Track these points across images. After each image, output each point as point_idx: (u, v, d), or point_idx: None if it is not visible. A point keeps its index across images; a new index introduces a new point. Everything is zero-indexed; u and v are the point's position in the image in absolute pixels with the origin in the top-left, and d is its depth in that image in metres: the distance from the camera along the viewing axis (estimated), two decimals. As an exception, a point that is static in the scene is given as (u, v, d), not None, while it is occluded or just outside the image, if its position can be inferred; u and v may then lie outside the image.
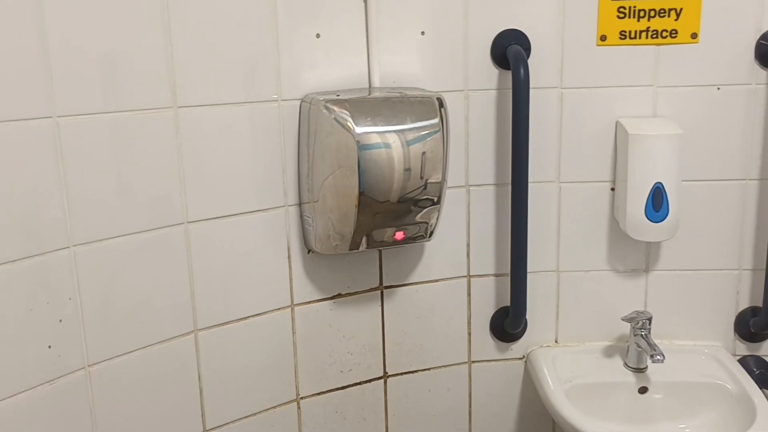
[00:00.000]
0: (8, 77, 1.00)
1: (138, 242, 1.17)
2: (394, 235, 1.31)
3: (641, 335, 1.46)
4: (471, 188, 1.48)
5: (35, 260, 1.05)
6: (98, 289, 1.14)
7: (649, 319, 1.46)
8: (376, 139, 1.23)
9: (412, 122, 1.26)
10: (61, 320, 1.09)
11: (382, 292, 1.47)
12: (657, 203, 1.40)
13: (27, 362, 1.06)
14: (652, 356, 1.41)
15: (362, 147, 1.22)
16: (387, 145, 1.24)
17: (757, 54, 1.41)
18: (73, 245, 1.10)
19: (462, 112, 1.43)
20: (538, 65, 1.41)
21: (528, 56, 1.41)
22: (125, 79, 1.12)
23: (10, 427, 1.04)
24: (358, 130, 1.22)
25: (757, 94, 1.43)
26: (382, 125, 1.24)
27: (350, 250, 1.30)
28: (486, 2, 1.39)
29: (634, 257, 1.52)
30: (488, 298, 1.54)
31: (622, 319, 1.46)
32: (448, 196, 1.43)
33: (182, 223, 1.23)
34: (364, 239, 1.29)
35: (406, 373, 1.52)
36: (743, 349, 1.57)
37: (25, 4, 1.00)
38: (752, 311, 1.53)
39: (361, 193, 1.23)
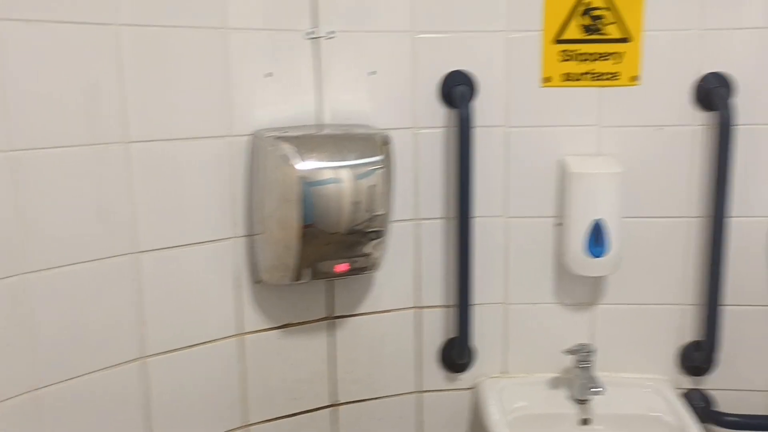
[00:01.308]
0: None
1: (89, 270, 1.22)
2: (339, 267, 1.35)
3: (584, 368, 1.49)
4: (421, 222, 1.53)
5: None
6: (50, 315, 1.18)
7: (592, 352, 1.50)
8: (319, 175, 1.29)
9: (357, 158, 1.32)
10: (9, 344, 1.14)
11: (331, 322, 1.51)
12: (597, 239, 1.45)
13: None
14: (591, 388, 1.44)
15: (305, 182, 1.27)
16: (330, 180, 1.29)
17: (697, 97, 1.47)
18: (24, 273, 1.14)
19: (411, 148, 1.49)
20: (484, 105, 1.47)
21: (474, 96, 1.47)
22: (80, 116, 1.18)
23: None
24: (301, 165, 1.27)
25: (698, 135, 1.48)
26: (326, 161, 1.29)
27: (295, 281, 1.34)
28: (434, 45, 1.45)
29: (581, 291, 1.56)
30: (437, 329, 1.58)
31: (563, 352, 1.50)
32: (399, 229, 1.49)
33: (133, 253, 1.27)
34: (308, 271, 1.34)
35: (356, 401, 1.56)
36: (688, 382, 1.60)
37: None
38: (696, 345, 1.57)
39: (303, 226, 1.28)
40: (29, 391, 1.17)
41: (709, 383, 1.60)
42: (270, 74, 1.37)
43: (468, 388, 1.61)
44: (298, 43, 1.39)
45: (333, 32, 1.40)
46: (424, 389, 1.60)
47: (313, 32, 1.38)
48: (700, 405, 1.58)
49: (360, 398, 1.56)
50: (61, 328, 1.20)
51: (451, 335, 1.57)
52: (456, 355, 1.56)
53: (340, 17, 1.40)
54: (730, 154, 1.44)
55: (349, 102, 1.44)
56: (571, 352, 1.50)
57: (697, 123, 1.47)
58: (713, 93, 1.44)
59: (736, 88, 1.45)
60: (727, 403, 1.59)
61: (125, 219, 1.25)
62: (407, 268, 1.54)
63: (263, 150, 1.31)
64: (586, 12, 1.44)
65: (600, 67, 1.47)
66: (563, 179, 1.49)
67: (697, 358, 1.56)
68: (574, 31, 1.46)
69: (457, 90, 1.45)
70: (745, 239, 1.51)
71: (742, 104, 1.45)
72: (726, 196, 1.45)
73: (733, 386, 1.59)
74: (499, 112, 1.49)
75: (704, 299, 1.53)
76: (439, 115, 1.48)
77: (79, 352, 1.23)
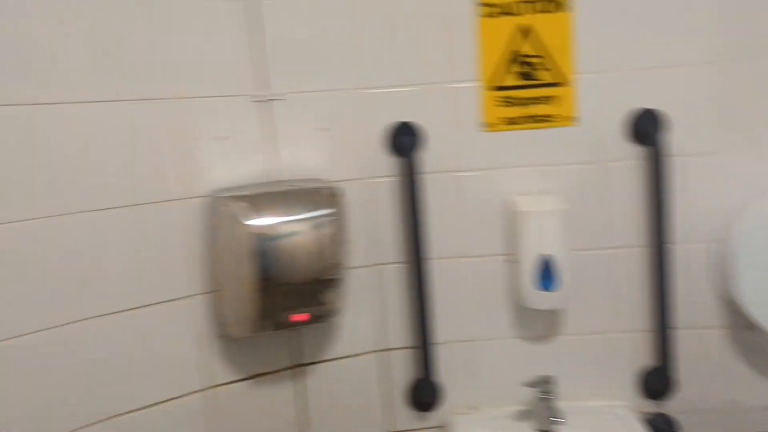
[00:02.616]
0: None
1: (49, 337, 1.27)
2: (299, 316, 1.41)
3: (545, 398, 1.54)
4: (380, 267, 1.59)
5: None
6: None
7: (552, 383, 1.55)
8: (272, 230, 1.36)
9: (309, 212, 1.39)
10: None
11: (300, 370, 1.56)
12: (546, 274, 1.51)
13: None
14: (552, 419, 1.49)
15: (258, 237, 1.34)
16: (283, 234, 1.36)
17: (632, 132, 1.55)
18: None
19: (365, 197, 1.56)
20: (432, 152, 1.55)
21: (421, 144, 1.55)
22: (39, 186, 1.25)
23: None
24: (253, 222, 1.34)
25: (635, 168, 1.56)
26: (278, 216, 1.36)
27: (256, 332, 1.40)
28: (381, 100, 1.54)
29: (538, 324, 1.62)
30: (404, 370, 1.63)
31: (523, 385, 1.55)
32: (359, 274, 1.55)
33: (96, 316, 1.33)
34: (270, 322, 1.39)
35: (328, 447, 1.60)
36: (651, 406, 1.64)
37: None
38: (654, 370, 1.62)
39: (260, 280, 1.35)
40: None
41: (671, 406, 1.64)
42: (225, 137, 1.45)
43: (437, 427, 1.65)
44: (248, 107, 1.47)
45: (283, 94, 1.48)
46: (397, 429, 1.64)
47: (262, 95, 1.47)
48: (665, 428, 1.62)
49: (332, 443, 1.60)
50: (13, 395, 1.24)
51: (418, 375, 1.62)
52: (423, 394, 1.61)
53: (288, 79, 1.48)
54: (664, 184, 1.51)
55: (302, 158, 1.52)
56: (531, 384, 1.55)
57: (633, 157, 1.55)
58: (645, 128, 1.52)
59: (667, 122, 1.53)
60: (690, 425, 1.64)
61: (75, 285, 1.30)
62: (370, 312, 1.60)
63: (217, 210, 1.38)
64: (519, 60, 1.53)
65: (537, 110, 1.56)
66: (511, 218, 1.56)
67: (656, 382, 1.61)
68: (510, 78, 1.55)
69: (403, 140, 1.53)
70: (689, 264, 1.57)
71: (674, 136, 1.53)
72: (665, 224, 1.52)
73: (694, 407, 1.63)
74: (446, 158, 1.56)
75: (656, 325, 1.58)
76: (388, 164, 1.56)
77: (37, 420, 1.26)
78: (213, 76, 1.44)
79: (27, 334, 1.25)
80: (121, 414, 1.37)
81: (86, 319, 1.31)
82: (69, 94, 1.28)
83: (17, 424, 1.24)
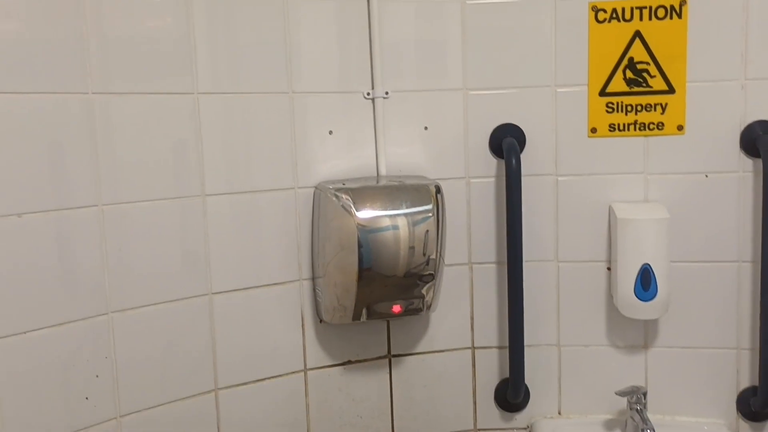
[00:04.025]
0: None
1: (167, 310, 1.37)
2: (392, 308, 1.45)
3: (636, 409, 1.52)
4: (474, 266, 1.61)
5: (80, 325, 1.26)
6: (133, 350, 1.33)
7: (644, 394, 1.52)
8: (375, 223, 1.40)
9: (408, 207, 1.43)
10: (97, 376, 1.29)
11: (390, 360, 1.60)
12: (645, 283, 1.49)
13: (67, 410, 1.25)
14: (643, 430, 1.47)
15: (363, 229, 1.39)
16: (386, 228, 1.41)
17: (742, 144, 1.51)
18: (112, 312, 1.30)
19: (464, 196, 1.58)
20: (534, 155, 1.56)
21: (523, 147, 1.56)
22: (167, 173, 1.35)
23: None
24: (359, 214, 1.39)
25: (745, 181, 1.52)
26: (381, 210, 1.41)
27: (352, 320, 1.45)
28: (484, 100, 1.56)
29: (633, 334, 1.60)
30: (492, 369, 1.64)
31: (616, 393, 1.53)
32: (453, 272, 1.58)
33: (206, 294, 1.41)
34: (364, 311, 1.44)
35: (414, 437, 1.64)
36: (747, 428, 1.59)
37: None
38: (753, 390, 1.57)
39: (360, 270, 1.40)
40: (112, 419, 1.31)
41: (768, 429, 1.59)
42: (331, 132, 1.51)
43: (523, 428, 1.66)
44: (356, 103, 1.52)
45: (389, 92, 1.53)
46: (480, 428, 1.66)
47: (370, 93, 1.52)
48: (760, 451, 1.57)
49: (418, 434, 1.64)
50: (141, 361, 1.34)
51: (506, 375, 1.63)
52: (511, 395, 1.62)
53: (395, 78, 1.53)
54: (776, 198, 1.47)
55: (405, 155, 1.56)
56: (623, 393, 1.53)
57: (743, 170, 1.51)
58: (758, 140, 1.48)
59: (782, 135, 1.48)
60: (789, 450, 1.58)
61: (199, 264, 1.40)
62: (462, 309, 1.62)
63: (325, 201, 1.44)
64: (629, 66, 1.52)
65: (645, 117, 1.54)
66: (611, 225, 1.55)
67: (754, 403, 1.56)
68: (618, 84, 1.53)
69: (506, 141, 1.54)
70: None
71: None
72: (774, 241, 1.47)
73: (795, 433, 1.58)
74: (548, 162, 1.57)
75: (760, 343, 1.53)
76: (490, 165, 1.57)
77: (157, 383, 1.36)
78: (324, 73, 1.50)
79: (159, 303, 1.36)
80: (232, 386, 1.45)
81: (194, 296, 1.40)
82: (205, 86, 1.37)
83: (141, 388, 1.34)
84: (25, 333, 1.19)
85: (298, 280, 1.51)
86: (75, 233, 1.25)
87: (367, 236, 1.39)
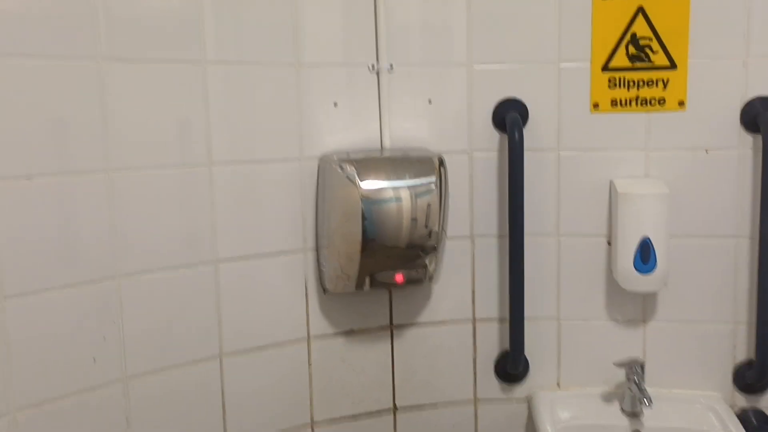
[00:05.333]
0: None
1: (174, 276, 1.39)
2: (395, 277, 1.48)
3: (634, 381, 1.54)
4: (476, 238, 1.63)
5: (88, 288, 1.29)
6: (139, 314, 1.36)
7: (642, 366, 1.55)
8: (379, 194, 1.42)
9: (411, 178, 1.45)
10: (105, 338, 1.31)
11: (391, 331, 1.63)
12: (645, 256, 1.51)
13: (75, 371, 1.28)
14: (640, 400, 1.49)
15: (366, 200, 1.41)
16: (390, 199, 1.43)
17: (743, 120, 1.52)
18: (119, 276, 1.32)
19: (467, 170, 1.60)
20: (536, 129, 1.57)
21: (526, 122, 1.57)
22: (172, 142, 1.36)
23: (54, 424, 1.25)
24: (363, 185, 1.41)
25: (745, 157, 1.53)
26: (385, 181, 1.43)
27: (355, 289, 1.47)
28: (488, 74, 1.57)
29: (632, 308, 1.62)
30: (493, 341, 1.67)
31: (614, 364, 1.56)
32: (455, 244, 1.60)
33: (212, 261, 1.44)
34: (367, 280, 1.47)
35: (414, 406, 1.66)
36: (743, 401, 1.62)
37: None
38: (750, 363, 1.59)
39: (364, 240, 1.42)
40: (118, 380, 1.34)
41: (766, 402, 1.61)
42: (336, 104, 1.52)
43: (522, 399, 1.68)
44: (361, 76, 1.54)
45: (393, 65, 1.54)
46: (479, 398, 1.68)
47: (375, 65, 1.53)
48: (754, 424, 1.59)
49: (417, 403, 1.66)
50: (147, 326, 1.37)
51: (506, 347, 1.66)
52: (510, 366, 1.65)
53: (400, 51, 1.54)
54: (776, 174, 1.48)
55: (409, 128, 1.57)
56: (621, 364, 1.56)
57: (743, 146, 1.52)
58: (759, 117, 1.49)
59: (782, 111, 1.50)
60: (784, 423, 1.60)
61: (205, 232, 1.42)
62: (463, 281, 1.64)
63: (329, 171, 1.46)
64: (631, 42, 1.53)
65: (647, 93, 1.55)
66: (612, 200, 1.56)
67: (750, 376, 1.58)
68: (621, 60, 1.55)
69: (509, 116, 1.56)
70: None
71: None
72: (773, 216, 1.49)
73: (790, 406, 1.60)
74: (550, 137, 1.58)
75: (756, 317, 1.55)
76: (492, 139, 1.59)
77: (163, 348, 1.39)
78: (330, 44, 1.51)
79: (165, 268, 1.39)
80: (236, 352, 1.48)
81: (200, 263, 1.42)
82: (212, 55, 1.39)
83: (147, 351, 1.36)
84: (35, 293, 1.22)
85: (302, 249, 1.53)
86: (82, 198, 1.27)
87: (370, 206, 1.42)
